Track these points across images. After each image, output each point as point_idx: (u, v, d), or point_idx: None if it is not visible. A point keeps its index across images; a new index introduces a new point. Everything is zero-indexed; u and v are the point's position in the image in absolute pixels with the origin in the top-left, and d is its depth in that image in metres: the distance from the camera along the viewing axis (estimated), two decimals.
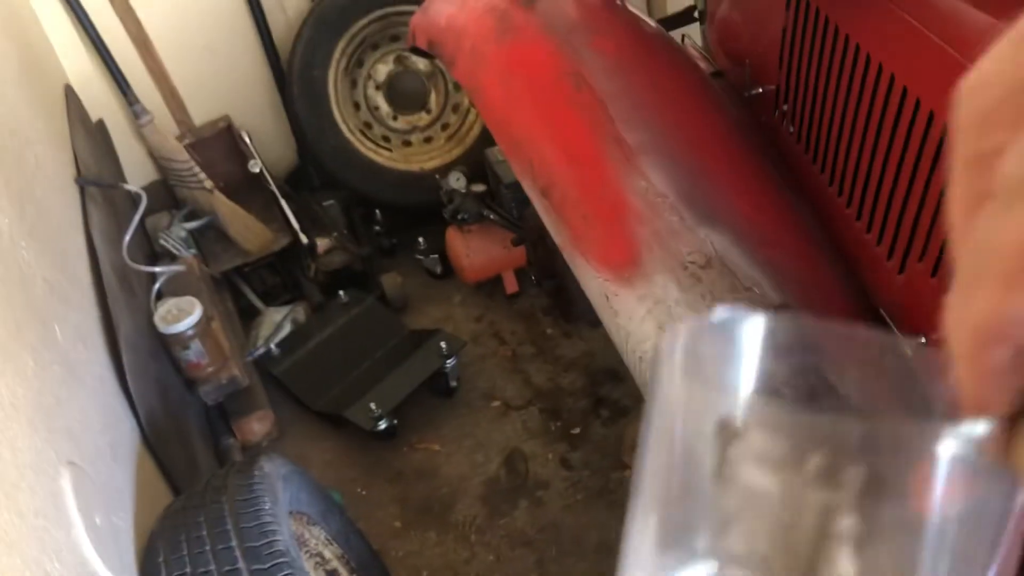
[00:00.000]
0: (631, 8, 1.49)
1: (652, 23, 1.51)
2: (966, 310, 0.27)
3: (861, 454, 0.26)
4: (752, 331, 0.29)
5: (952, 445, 0.26)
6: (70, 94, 2.34)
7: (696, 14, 1.72)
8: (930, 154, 0.93)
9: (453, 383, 2.35)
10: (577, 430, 2.24)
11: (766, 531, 0.25)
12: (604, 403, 2.29)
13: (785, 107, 1.30)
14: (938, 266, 0.98)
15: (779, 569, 0.25)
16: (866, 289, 1.17)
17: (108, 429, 1.56)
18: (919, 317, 1.07)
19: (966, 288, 0.27)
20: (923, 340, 1.13)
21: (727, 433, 0.26)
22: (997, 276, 0.26)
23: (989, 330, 0.26)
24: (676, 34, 1.60)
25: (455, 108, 2.91)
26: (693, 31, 1.74)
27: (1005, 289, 0.26)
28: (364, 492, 2.19)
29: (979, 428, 0.26)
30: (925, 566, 0.26)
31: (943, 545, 0.26)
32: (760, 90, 1.39)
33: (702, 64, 1.58)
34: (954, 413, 0.27)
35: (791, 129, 1.29)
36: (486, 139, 2.73)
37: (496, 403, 2.34)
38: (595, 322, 1.31)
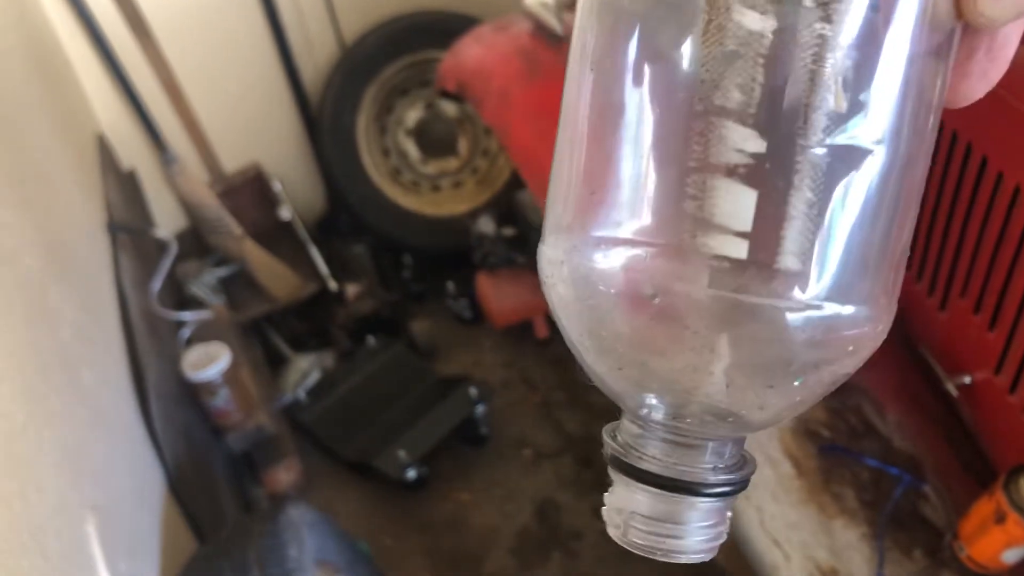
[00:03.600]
0: None
1: None
2: None
3: None
4: None
5: None
6: (103, 144, 2.36)
7: None
8: (969, 185, 0.91)
9: (483, 431, 2.32)
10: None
11: (760, 76, 0.25)
12: None
13: None
14: (981, 302, 0.95)
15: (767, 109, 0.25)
16: (906, 328, 1.14)
17: (134, 475, 1.55)
18: (962, 355, 1.04)
19: None
20: (967, 380, 1.10)
21: None
22: None
23: None
24: None
25: (484, 153, 2.91)
26: None
27: None
28: (392, 543, 2.15)
29: None
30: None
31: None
32: None
33: None
34: None
35: None
36: (515, 183, 2.72)
37: (527, 451, 2.31)
38: None
